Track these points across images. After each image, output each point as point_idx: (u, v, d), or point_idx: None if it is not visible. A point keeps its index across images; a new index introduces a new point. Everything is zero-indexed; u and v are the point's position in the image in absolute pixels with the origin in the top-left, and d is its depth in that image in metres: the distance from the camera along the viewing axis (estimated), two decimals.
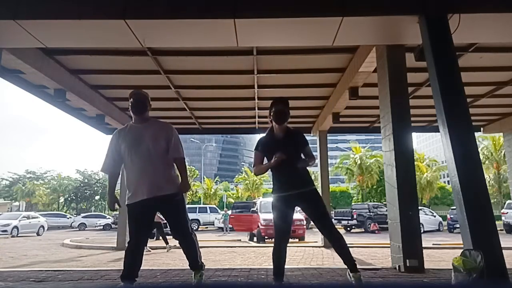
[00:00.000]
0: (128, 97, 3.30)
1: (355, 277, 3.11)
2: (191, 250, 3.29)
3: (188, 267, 3.41)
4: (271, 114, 3.29)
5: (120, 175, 3.42)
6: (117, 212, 11.70)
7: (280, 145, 3.19)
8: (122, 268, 3.15)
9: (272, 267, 3.31)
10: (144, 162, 3.15)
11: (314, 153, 3.41)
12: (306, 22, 4.27)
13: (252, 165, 3.44)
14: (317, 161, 10.86)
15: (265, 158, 3.35)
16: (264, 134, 3.46)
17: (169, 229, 14.99)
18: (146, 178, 3.13)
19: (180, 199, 3.24)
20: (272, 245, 3.31)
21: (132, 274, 3.14)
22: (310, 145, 3.40)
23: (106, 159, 3.28)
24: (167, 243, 10.52)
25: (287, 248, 3.29)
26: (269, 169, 3.29)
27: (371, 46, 5.37)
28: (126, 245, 3.21)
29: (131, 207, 3.18)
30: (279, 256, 3.24)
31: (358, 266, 3.20)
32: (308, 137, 3.97)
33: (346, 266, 3.20)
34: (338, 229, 3.33)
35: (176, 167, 3.36)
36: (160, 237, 11.34)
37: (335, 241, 3.20)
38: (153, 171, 3.14)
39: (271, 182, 3.41)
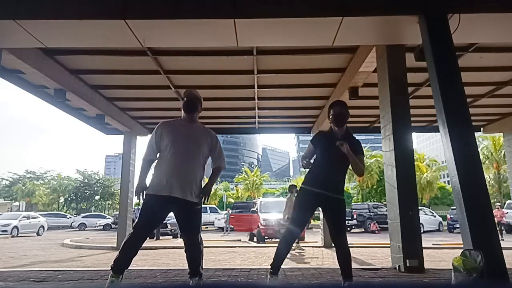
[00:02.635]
0: (182, 95, 3.35)
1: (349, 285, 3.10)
2: (195, 258, 3.26)
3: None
4: (330, 116, 3.29)
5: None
6: (117, 212, 11.65)
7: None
8: (116, 258, 3.01)
9: (270, 262, 3.29)
10: (184, 161, 3.14)
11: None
12: (306, 22, 4.27)
13: (302, 157, 3.39)
14: None
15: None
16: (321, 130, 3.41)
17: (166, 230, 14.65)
18: (179, 177, 3.10)
19: (199, 209, 3.24)
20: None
21: (125, 267, 3.07)
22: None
23: (149, 147, 3.28)
24: (298, 242, 9.72)
25: None
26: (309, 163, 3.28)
27: (371, 46, 5.37)
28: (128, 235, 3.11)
29: (152, 198, 3.13)
30: (288, 247, 3.25)
31: (358, 267, 3.19)
32: (308, 137, 3.97)
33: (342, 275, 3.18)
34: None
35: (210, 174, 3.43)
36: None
37: (342, 253, 3.19)
38: (189, 173, 3.15)
39: (304, 174, 3.38)
